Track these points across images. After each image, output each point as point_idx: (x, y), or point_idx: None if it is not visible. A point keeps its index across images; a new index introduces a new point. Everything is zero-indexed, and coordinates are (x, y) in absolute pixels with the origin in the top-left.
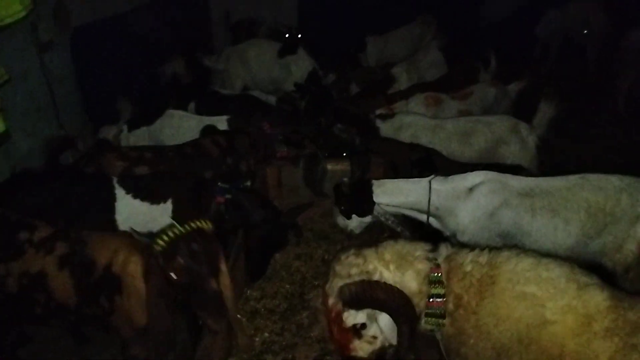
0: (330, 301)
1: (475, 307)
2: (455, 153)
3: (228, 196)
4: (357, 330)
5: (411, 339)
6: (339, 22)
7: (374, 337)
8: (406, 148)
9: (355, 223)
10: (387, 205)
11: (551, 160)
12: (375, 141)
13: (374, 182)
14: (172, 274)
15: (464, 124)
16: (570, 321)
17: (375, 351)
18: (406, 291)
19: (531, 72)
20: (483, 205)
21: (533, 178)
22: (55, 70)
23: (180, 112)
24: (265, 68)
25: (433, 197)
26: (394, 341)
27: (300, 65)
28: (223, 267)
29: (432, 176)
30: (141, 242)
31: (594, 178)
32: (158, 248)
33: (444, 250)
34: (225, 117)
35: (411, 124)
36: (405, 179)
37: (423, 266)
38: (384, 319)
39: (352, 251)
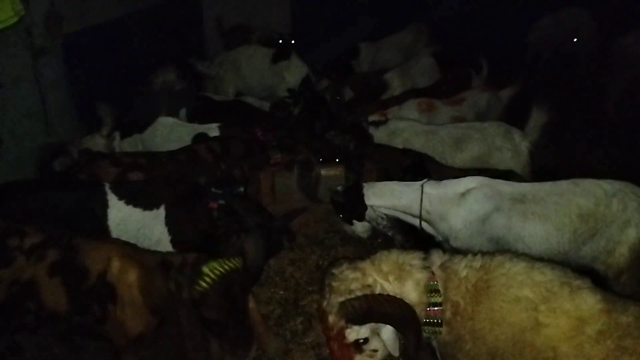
0: (331, 319)
1: (471, 313)
2: (448, 159)
3: (221, 202)
4: (359, 345)
5: (418, 349)
6: (332, 28)
7: (375, 351)
8: (399, 153)
9: (360, 228)
10: (380, 207)
11: (544, 166)
12: (369, 147)
13: (365, 184)
14: (208, 312)
15: (456, 130)
16: (563, 324)
17: None
18: (406, 301)
19: (523, 78)
20: (475, 210)
21: (525, 183)
22: (48, 76)
23: (172, 120)
24: (258, 74)
25: (425, 201)
26: (396, 353)
27: (294, 71)
28: (252, 303)
29: (425, 180)
30: (136, 250)
31: (585, 183)
32: (200, 289)
33: (437, 257)
34: (216, 125)
35: (404, 129)
36: (397, 182)
37: (421, 275)
38: (387, 332)
39: (345, 265)
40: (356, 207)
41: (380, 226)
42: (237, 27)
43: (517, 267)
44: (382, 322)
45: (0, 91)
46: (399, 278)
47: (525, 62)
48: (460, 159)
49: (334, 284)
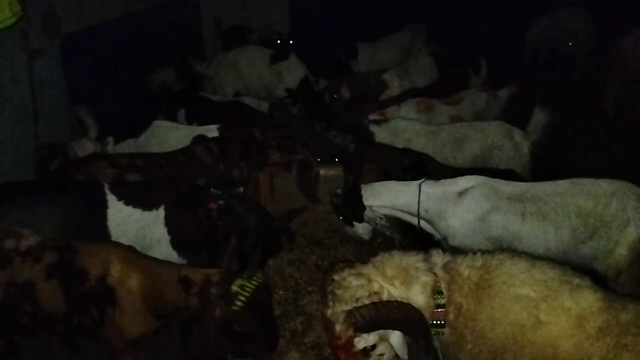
0: (338, 328)
1: (473, 313)
2: (449, 158)
3: (221, 202)
4: (367, 352)
5: (429, 353)
6: (330, 28)
7: (382, 355)
8: (399, 153)
9: (361, 229)
10: (378, 207)
11: (544, 166)
12: (368, 147)
13: (363, 185)
14: (241, 326)
15: (457, 130)
16: (563, 322)
17: None
18: (414, 305)
19: (521, 78)
20: (473, 209)
21: (523, 183)
22: (45, 77)
23: (168, 123)
24: (257, 74)
25: (423, 200)
26: (405, 357)
27: (292, 72)
28: (273, 314)
29: (423, 179)
30: (140, 257)
31: (584, 183)
32: (236, 308)
33: (438, 258)
34: (215, 127)
35: (406, 129)
36: (395, 181)
37: (427, 279)
38: (396, 337)
39: (347, 271)
40: (355, 208)
41: (379, 226)
42: (235, 27)
43: (518, 266)
44: (392, 329)
45: None
46: (405, 282)
47: (523, 62)
48: (461, 159)
49: (338, 291)
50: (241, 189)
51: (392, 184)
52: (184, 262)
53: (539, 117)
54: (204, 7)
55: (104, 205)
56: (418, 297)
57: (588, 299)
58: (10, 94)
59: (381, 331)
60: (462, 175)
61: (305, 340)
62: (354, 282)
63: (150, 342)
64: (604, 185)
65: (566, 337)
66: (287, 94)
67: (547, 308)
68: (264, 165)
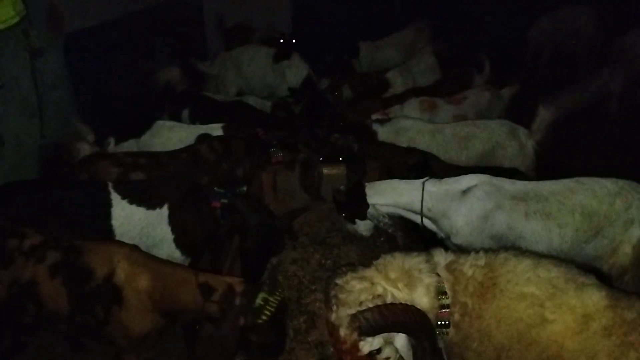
0: (342, 332)
1: (479, 311)
2: (453, 157)
3: (224, 201)
4: (372, 355)
5: (434, 355)
6: (333, 27)
7: (387, 358)
8: (403, 152)
9: (362, 226)
10: (382, 205)
11: (549, 165)
12: (372, 146)
13: (367, 183)
14: (259, 338)
15: (462, 128)
16: (569, 320)
17: None
18: (419, 307)
19: (524, 77)
20: (476, 208)
21: (527, 182)
22: (48, 76)
23: (170, 123)
24: (260, 73)
25: (426, 199)
26: (410, 359)
27: (295, 71)
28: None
29: (427, 178)
30: (148, 258)
31: (588, 182)
32: (260, 322)
33: (441, 258)
34: (219, 125)
35: (409, 128)
36: (399, 180)
37: (431, 280)
38: (401, 339)
39: (350, 274)
40: (358, 205)
41: (382, 224)
42: (238, 26)
43: (523, 264)
44: (397, 332)
45: (0, 91)
46: (409, 284)
47: (526, 61)
48: (465, 157)
49: (341, 296)
50: (244, 188)
51: (395, 182)
52: (187, 261)
53: (543, 116)
54: (207, 6)
55: (108, 204)
56: (422, 298)
57: (593, 297)
58: (13, 93)
59: (386, 334)
60: (466, 174)
61: (309, 339)
62: (357, 285)
63: (154, 341)
64: (608, 185)
65: (571, 335)
66: (290, 94)
67: (552, 306)
68: (267, 165)
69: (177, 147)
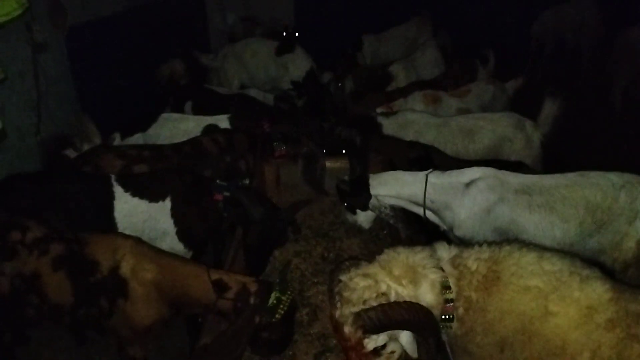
0: (347, 329)
1: (483, 305)
2: (460, 150)
3: (226, 194)
4: (377, 351)
5: (438, 351)
6: (336, 20)
7: (392, 353)
8: (405, 146)
9: (362, 217)
10: (385, 196)
11: (555, 158)
12: (375, 139)
13: (371, 174)
14: (269, 335)
15: (468, 121)
16: (573, 313)
17: None
18: (423, 304)
19: (528, 70)
20: (479, 200)
21: (531, 175)
22: (51, 70)
23: (176, 115)
24: (263, 67)
25: (429, 191)
26: (415, 355)
27: (298, 64)
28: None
29: (430, 170)
30: (154, 251)
31: (592, 175)
32: (275, 320)
33: (444, 252)
34: (226, 116)
35: (415, 121)
36: (402, 171)
37: (435, 276)
38: (405, 336)
39: (353, 271)
40: (361, 196)
41: (383, 215)
42: (241, 19)
43: (527, 257)
44: (401, 329)
45: (4, 85)
46: (413, 281)
47: (530, 54)
48: (472, 150)
49: (345, 293)
50: (247, 181)
51: (399, 174)
52: (190, 254)
53: (549, 108)
54: None
55: (111, 197)
56: (427, 295)
57: (597, 290)
58: (15, 88)
59: (391, 332)
60: (470, 167)
61: (311, 331)
62: (361, 283)
63: (158, 333)
64: (613, 178)
65: (575, 327)
66: (293, 87)
67: (556, 299)
68: (270, 158)
69: (183, 139)
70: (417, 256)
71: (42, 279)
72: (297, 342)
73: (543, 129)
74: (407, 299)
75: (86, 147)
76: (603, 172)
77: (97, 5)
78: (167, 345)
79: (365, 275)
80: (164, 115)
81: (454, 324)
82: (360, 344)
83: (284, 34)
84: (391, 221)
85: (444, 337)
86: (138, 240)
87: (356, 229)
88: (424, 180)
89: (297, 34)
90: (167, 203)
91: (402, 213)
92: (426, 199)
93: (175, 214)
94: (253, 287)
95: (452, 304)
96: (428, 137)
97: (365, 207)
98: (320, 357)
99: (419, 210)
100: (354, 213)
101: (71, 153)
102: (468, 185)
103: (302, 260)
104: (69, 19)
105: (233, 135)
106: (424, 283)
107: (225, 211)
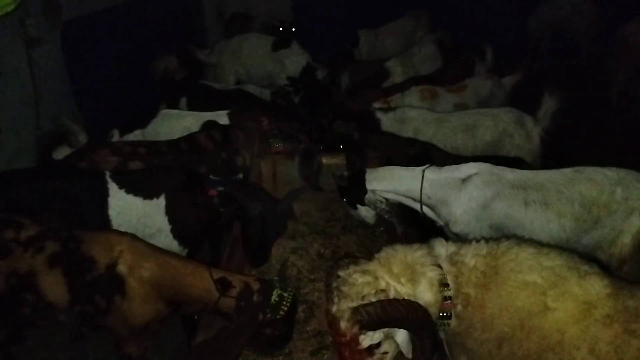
0: (343, 325)
1: (481, 301)
2: (460, 146)
3: (220, 188)
4: (371, 349)
5: (434, 351)
6: (333, 16)
7: (385, 353)
8: (404, 143)
9: (364, 212)
10: (381, 191)
11: (555, 153)
12: (373, 135)
13: (368, 169)
14: (272, 332)
15: (468, 117)
16: (571, 308)
17: None
18: (421, 302)
19: (525, 65)
20: (476, 196)
21: (528, 171)
22: (46, 65)
23: (175, 111)
24: (259, 62)
25: (426, 186)
26: (410, 355)
27: (294, 60)
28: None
29: (427, 165)
30: (152, 249)
31: (588, 171)
32: (279, 317)
33: (442, 249)
34: (225, 112)
35: (414, 118)
36: (399, 167)
37: (433, 274)
38: (401, 335)
39: (352, 267)
40: (357, 191)
41: (379, 210)
42: (237, 15)
43: (525, 253)
44: (398, 327)
45: None
46: (412, 279)
47: (528, 49)
48: (472, 146)
49: (343, 288)
50: (240, 176)
51: (396, 169)
52: (185, 251)
53: (549, 103)
54: None
55: (105, 194)
56: (425, 293)
57: (596, 286)
58: (10, 83)
59: (387, 329)
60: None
61: (307, 329)
62: (359, 279)
63: (154, 330)
64: (609, 174)
65: (573, 323)
66: (289, 82)
67: (554, 294)
68: (266, 154)
69: (183, 135)
70: (416, 254)
71: (38, 277)
72: (293, 339)
73: (542, 124)
74: (406, 297)
75: (82, 142)
76: (599, 168)
77: (92, 0)
78: (164, 343)
79: (365, 272)
80: (164, 111)
81: (452, 321)
82: (355, 340)
83: (281, 29)
84: (386, 216)
85: (442, 334)
86: (133, 237)
87: (352, 226)
88: (421, 176)
89: (293, 29)
90: (162, 200)
91: (397, 208)
92: (423, 195)
93: (169, 211)
94: (256, 286)
95: (450, 302)
96: (427, 134)
97: (361, 202)
98: (316, 355)
99: (416, 206)
100: (355, 208)
101: (65, 151)
102: (464, 181)
103: (298, 257)
104: (63, 13)
105: (229, 132)
106: (422, 281)
107: (221, 206)
